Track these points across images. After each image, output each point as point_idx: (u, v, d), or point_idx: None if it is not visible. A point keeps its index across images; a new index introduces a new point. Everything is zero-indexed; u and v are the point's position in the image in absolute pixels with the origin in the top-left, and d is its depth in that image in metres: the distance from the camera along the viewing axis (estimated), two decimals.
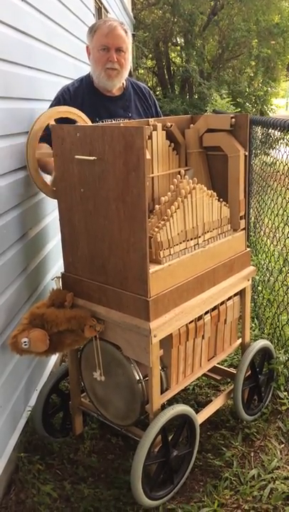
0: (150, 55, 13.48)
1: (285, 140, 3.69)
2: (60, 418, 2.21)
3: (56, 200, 1.90)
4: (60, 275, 1.96)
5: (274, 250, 3.55)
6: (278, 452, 2.08)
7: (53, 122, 1.98)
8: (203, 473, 2.00)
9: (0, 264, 1.90)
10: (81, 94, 2.27)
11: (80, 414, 2.16)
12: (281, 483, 1.90)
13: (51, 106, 2.26)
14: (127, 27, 2.27)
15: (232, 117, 2.00)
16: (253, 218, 4.58)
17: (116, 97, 2.33)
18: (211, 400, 2.31)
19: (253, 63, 12.98)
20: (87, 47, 2.29)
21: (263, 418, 2.29)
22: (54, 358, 2.74)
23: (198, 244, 1.88)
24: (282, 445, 2.13)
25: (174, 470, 1.88)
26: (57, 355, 2.77)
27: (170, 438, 1.85)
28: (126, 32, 2.23)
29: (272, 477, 1.94)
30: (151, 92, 2.51)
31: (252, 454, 2.09)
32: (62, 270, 1.96)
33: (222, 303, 2.06)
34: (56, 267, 2.74)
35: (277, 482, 1.91)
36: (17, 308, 2.08)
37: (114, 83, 2.25)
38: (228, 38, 12.57)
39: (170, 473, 1.87)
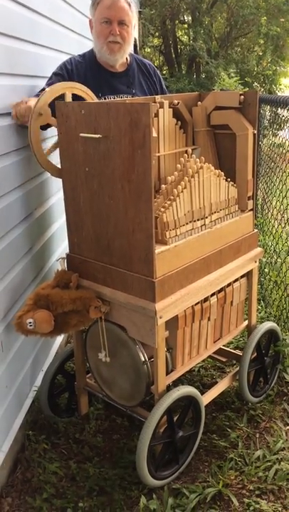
0: (157, 33, 13.21)
1: None
2: (65, 398, 2.22)
3: (61, 180, 1.87)
4: (65, 256, 1.94)
5: (282, 232, 3.51)
6: (284, 434, 2.08)
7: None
8: (208, 453, 2.00)
9: (4, 244, 1.89)
10: (84, 69, 2.22)
11: (85, 395, 2.17)
12: (286, 463, 1.90)
13: (52, 74, 2.21)
14: (131, 0, 2.21)
15: (241, 94, 1.95)
16: (260, 200, 4.53)
17: (120, 73, 2.27)
18: (217, 382, 2.31)
19: (262, 41, 12.68)
20: (90, 20, 2.23)
21: (268, 400, 2.28)
22: (59, 339, 2.74)
23: (205, 225, 1.85)
24: (288, 427, 2.13)
25: (179, 450, 1.88)
26: (62, 336, 2.77)
27: (175, 419, 1.85)
28: (130, 5, 2.16)
29: (277, 458, 1.94)
30: (156, 69, 2.46)
31: (257, 436, 2.09)
32: (68, 251, 1.94)
33: (228, 284, 2.04)
34: (61, 247, 2.73)
35: (282, 463, 1.91)
36: (22, 289, 2.07)
37: (116, 58, 2.19)
38: (236, 16, 12.27)
39: (175, 454, 1.87)
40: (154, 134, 1.82)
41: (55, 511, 1.75)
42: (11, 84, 1.98)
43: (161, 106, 1.91)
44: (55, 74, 2.20)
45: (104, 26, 2.14)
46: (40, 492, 1.82)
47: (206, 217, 1.85)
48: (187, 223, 1.78)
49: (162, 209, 1.72)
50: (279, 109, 3.81)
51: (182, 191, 1.74)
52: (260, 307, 3.10)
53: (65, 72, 2.19)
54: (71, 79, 2.14)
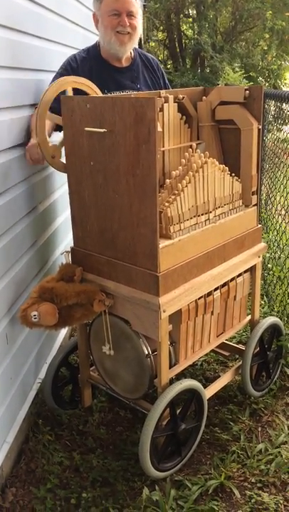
0: (161, 28, 13.15)
1: None
2: (69, 391, 2.24)
3: (66, 174, 1.88)
4: (69, 249, 1.95)
5: (285, 227, 3.51)
6: (286, 427, 2.09)
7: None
8: (210, 446, 2.02)
9: (9, 238, 1.90)
10: (88, 64, 2.22)
11: (88, 387, 2.19)
12: (288, 457, 1.92)
13: (57, 74, 2.21)
14: None
15: (246, 89, 1.95)
16: (264, 195, 4.52)
17: (124, 68, 2.28)
18: (219, 376, 2.32)
19: (267, 36, 12.59)
20: (93, 14, 2.23)
21: (270, 394, 2.30)
22: (63, 332, 2.76)
23: (209, 219, 1.86)
24: None
25: (181, 443, 1.90)
26: (66, 329, 2.79)
27: (178, 412, 1.86)
28: None
29: (279, 451, 1.95)
30: (160, 64, 2.46)
31: (259, 429, 2.10)
32: (72, 244, 1.95)
33: (232, 279, 2.05)
34: (66, 241, 2.74)
35: (284, 456, 1.92)
36: (27, 283, 2.09)
37: (126, 49, 2.20)
38: (241, 10, 12.19)
39: (178, 446, 1.89)
40: (159, 129, 1.82)
41: (58, 501, 1.78)
42: (17, 78, 1.98)
43: (166, 100, 1.91)
44: (60, 74, 2.20)
45: (112, 18, 2.14)
46: (44, 482, 1.84)
47: (210, 212, 1.86)
48: (191, 218, 1.79)
49: (166, 203, 1.73)
50: (284, 104, 3.80)
51: (186, 186, 1.75)
52: (263, 302, 3.11)
53: (70, 72, 2.19)
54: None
